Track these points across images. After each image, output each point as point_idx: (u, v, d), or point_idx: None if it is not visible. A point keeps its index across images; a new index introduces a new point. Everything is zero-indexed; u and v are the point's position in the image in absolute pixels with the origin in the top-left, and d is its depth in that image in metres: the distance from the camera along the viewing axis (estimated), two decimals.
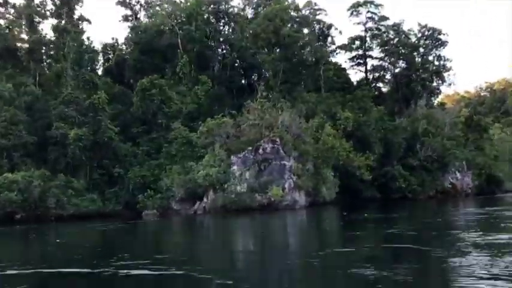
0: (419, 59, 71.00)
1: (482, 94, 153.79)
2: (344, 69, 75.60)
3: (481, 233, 21.26)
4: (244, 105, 47.51)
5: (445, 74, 67.77)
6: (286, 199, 42.82)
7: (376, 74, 74.20)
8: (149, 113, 54.74)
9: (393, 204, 50.85)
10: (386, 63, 72.66)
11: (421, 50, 71.92)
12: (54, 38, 62.09)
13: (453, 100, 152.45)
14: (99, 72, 72.08)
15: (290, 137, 43.96)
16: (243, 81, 71.15)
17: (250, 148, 43.56)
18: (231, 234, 29.24)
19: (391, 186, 55.76)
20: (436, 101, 71.09)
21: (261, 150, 43.63)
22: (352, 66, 76.66)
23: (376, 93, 74.57)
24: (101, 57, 76.83)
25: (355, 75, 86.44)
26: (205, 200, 43.43)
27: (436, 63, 69.11)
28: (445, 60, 70.76)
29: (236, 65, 69.26)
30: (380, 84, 75.38)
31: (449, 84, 68.24)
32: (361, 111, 59.65)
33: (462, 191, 60.45)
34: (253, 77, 67.75)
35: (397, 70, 71.05)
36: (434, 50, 72.08)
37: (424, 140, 58.21)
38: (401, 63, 71.74)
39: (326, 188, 44.54)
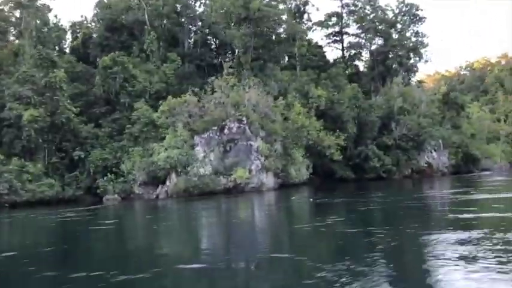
0: (397, 36, 68.43)
1: (462, 73, 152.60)
2: (320, 47, 72.78)
3: (448, 211, 20.32)
4: (208, 83, 44.38)
5: (422, 51, 65.35)
6: (253, 181, 40.26)
7: (353, 52, 71.51)
8: (112, 92, 51.32)
9: (365, 185, 48.73)
10: (363, 40, 70.00)
11: (399, 26, 69.29)
12: (10, 13, 57.80)
13: (434, 80, 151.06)
14: (67, 51, 68.35)
15: (257, 115, 41.16)
16: (215, 60, 67.83)
17: (215, 128, 40.73)
18: (176, 223, 26.56)
19: (365, 166, 53.64)
20: (415, 79, 68.72)
21: (226, 130, 40.83)
22: (329, 43, 73.97)
23: (353, 71, 72.15)
24: (69, 36, 73.13)
25: (332, 52, 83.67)
26: (167, 183, 40.61)
27: (414, 39, 66.60)
28: (422, 37, 68.38)
29: (208, 42, 65.84)
30: (357, 62, 72.84)
31: (426, 61, 65.78)
32: (335, 89, 57.06)
33: (438, 170, 58.69)
34: (227, 54, 64.36)
35: (373, 47, 68.46)
36: (412, 26, 69.58)
37: (399, 119, 55.99)
38: (378, 40, 69.14)
39: (295, 169, 42.00)
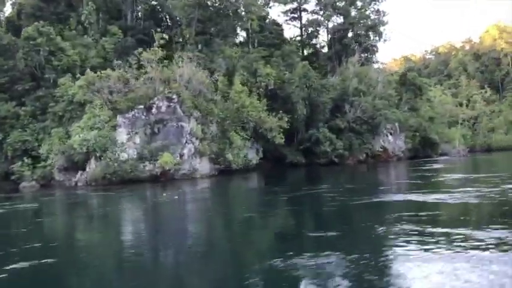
0: (356, 13, 63.88)
1: (427, 57, 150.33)
2: (278, 24, 67.64)
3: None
4: (132, 55, 38.82)
5: (381, 29, 61.01)
6: (184, 167, 35.30)
7: (310, 30, 66.68)
8: (37, 67, 45.08)
9: (314, 171, 44.60)
10: (321, 17, 65.18)
11: (359, 3, 64.68)
12: None
13: (400, 64, 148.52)
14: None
15: (190, 93, 36.01)
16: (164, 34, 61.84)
17: (141, 107, 35.37)
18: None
19: (316, 150, 49.36)
20: (377, 61, 64.44)
21: (154, 110, 35.54)
22: (287, 21, 68.91)
23: (310, 51, 67.54)
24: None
25: (290, 31, 78.61)
26: (87, 169, 35.25)
27: (373, 17, 62.17)
28: (383, 15, 64.00)
29: (155, 14, 59.69)
30: (316, 41, 68.11)
31: (385, 41, 61.56)
32: (288, 68, 52.28)
33: (394, 155, 55.03)
34: (174, 28, 58.46)
35: (331, 25, 63.82)
36: (372, 4, 65.06)
37: (353, 100, 51.74)
38: (337, 18, 64.51)
39: (233, 154, 37.21)
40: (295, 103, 47.24)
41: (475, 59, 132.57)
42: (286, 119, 42.70)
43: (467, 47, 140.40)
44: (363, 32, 60.24)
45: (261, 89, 47.59)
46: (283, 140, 42.57)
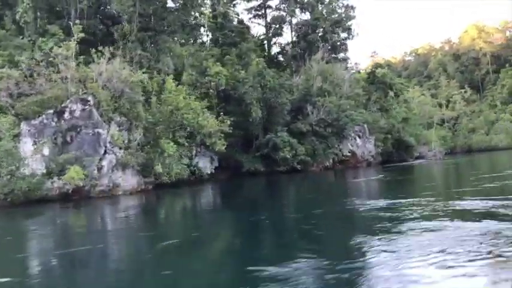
0: (322, 8, 58.14)
1: (406, 59, 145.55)
2: (242, 22, 61.74)
3: None
4: (39, 49, 32.51)
5: (348, 24, 55.20)
6: (102, 183, 28.87)
7: (275, 27, 60.82)
8: None
9: (270, 181, 38.57)
10: (286, 14, 59.38)
11: None
12: None
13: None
14: None
15: (109, 94, 29.70)
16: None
17: (51, 111, 28.98)
18: None
19: (275, 157, 43.23)
20: (344, 59, 58.36)
21: (67, 114, 29.15)
22: (251, 19, 63.08)
23: (278, 49, 61.73)
24: None
25: (254, 29, 72.66)
26: None
27: (339, 10, 56.45)
28: (351, 10, 58.34)
29: (100, 12, 53.35)
30: (280, 40, 62.25)
31: (352, 37, 55.81)
32: (245, 67, 46.22)
33: (363, 160, 49.08)
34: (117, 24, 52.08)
35: (296, 21, 58.00)
36: None
37: (315, 101, 45.76)
38: (302, 14, 58.75)
39: (164, 163, 30.82)
40: (249, 104, 41.14)
41: (455, 59, 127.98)
42: (229, 122, 36.50)
43: (446, 48, 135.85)
44: (328, 27, 54.38)
45: (210, 90, 41.50)
46: (225, 146, 36.37)
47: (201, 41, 56.30)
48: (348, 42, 56.53)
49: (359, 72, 51.88)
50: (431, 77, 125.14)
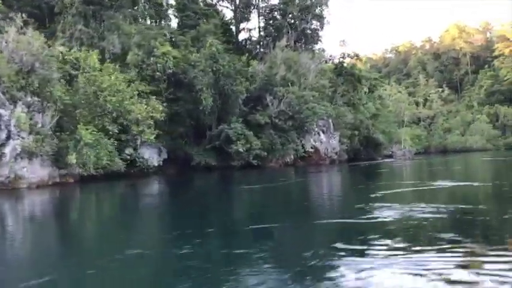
0: None
1: (387, 56, 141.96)
2: (211, 5, 56.67)
3: None
4: None
5: (318, 10, 50.41)
6: (1, 174, 23.84)
7: (243, 10, 55.79)
8: None
9: (222, 176, 33.92)
10: None
11: None
12: None
13: (362, 63, 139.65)
14: None
15: (15, 69, 24.55)
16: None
17: None
18: None
19: (228, 150, 38.53)
20: (312, 49, 53.41)
21: None
22: (219, 1, 57.97)
23: (247, 35, 56.75)
24: None
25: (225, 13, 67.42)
26: None
27: None
28: None
29: None
30: (248, 25, 57.23)
31: (323, 26, 51.08)
32: (200, 50, 41.19)
33: (326, 157, 44.72)
34: None
35: (263, 5, 53.07)
36: None
37: (276, 91, 41.12)
38: None
39: (81, 153, 25.79)
40: (199, 91, 36.27)
41: (435, 58, 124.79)
42: (161, 108, 31.63)
43: (427, 46, 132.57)
44: (297, 13, 49.60)
45: (157, 73, 36.49)
46: (154, 136, 31.49)
47: (169, 23, 51.36)
48: (324, 34, 51.80)
49: (326, 62, 47.22)
50: (411, 75, 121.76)
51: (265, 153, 39.10)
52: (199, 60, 37.48)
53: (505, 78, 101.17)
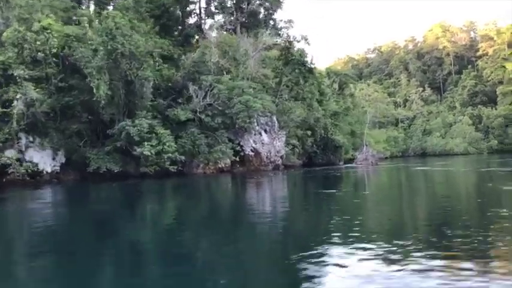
0: None
1: (369, 56, 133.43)
2: None
3: None
4: None
5: None
6: None
7: None
8: None
9: (126, 190, 24.75)
10: None
11: None
12: None
13: (344, 64, 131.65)
14: None
15: None
16: None
17: None
18: None
19: (134, 153, 29.50)
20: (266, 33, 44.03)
21: None
22: None
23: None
24: None
25: None
26: None
27: None
28: None
29: None
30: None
31: (274, 10, 42.20)
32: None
33: (269, 162, 35.76)
34: None
35: None
36: None
37: (202, 80, 32.14)
38: None
39: None
40: (90, 76, 27.25)
41: (418, 58, 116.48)
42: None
43: (410, 46, 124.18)
44: None
45: (39, 53, 27.53)
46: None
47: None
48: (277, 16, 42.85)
49: (270, 47, 37.93)
50: (392, 75, 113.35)
51: (183, 158, 30.08)
52: (91, 37, 28.45)
53: (489, 79, 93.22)
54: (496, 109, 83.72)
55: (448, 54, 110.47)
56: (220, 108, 31.93)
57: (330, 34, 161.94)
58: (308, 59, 37.84)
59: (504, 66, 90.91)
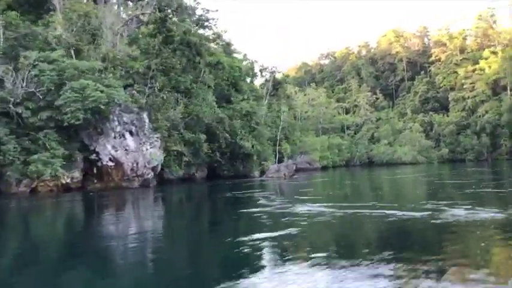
0: None
1: (323, 62, 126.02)
2: None
3: None
4: None
5: None
6: None
7: None
8: None
9: None
10: None
11: None
12: None
13: (296, 69, 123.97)
14: None
15: None
16: None
17: None
18: None
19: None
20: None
21: None
22: None
23: None
24: None
25: None
26: None
27: None
28: None
29: None
30: None
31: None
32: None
33: (136, 176, 25.46)
34: None
35: None
36: None
37: (22, 57, 21.67)
38: None
39: None
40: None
41: (371, 64, 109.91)
42: None
43: (363, 52, 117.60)
44: None
45: None
46: None
47: None
48: None
49: (147, 24, 27.45)
50: (344, 81, 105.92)
51: (18, 175, 19.30)
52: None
53: (441, 85, 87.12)
54: (448, 116, 77.19)
55: (401, 60, 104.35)
56: (47, 98, 21.42)
57: (286, 41, 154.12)
58: (201, 40, 27.65)
59: (456, 72, 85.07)
